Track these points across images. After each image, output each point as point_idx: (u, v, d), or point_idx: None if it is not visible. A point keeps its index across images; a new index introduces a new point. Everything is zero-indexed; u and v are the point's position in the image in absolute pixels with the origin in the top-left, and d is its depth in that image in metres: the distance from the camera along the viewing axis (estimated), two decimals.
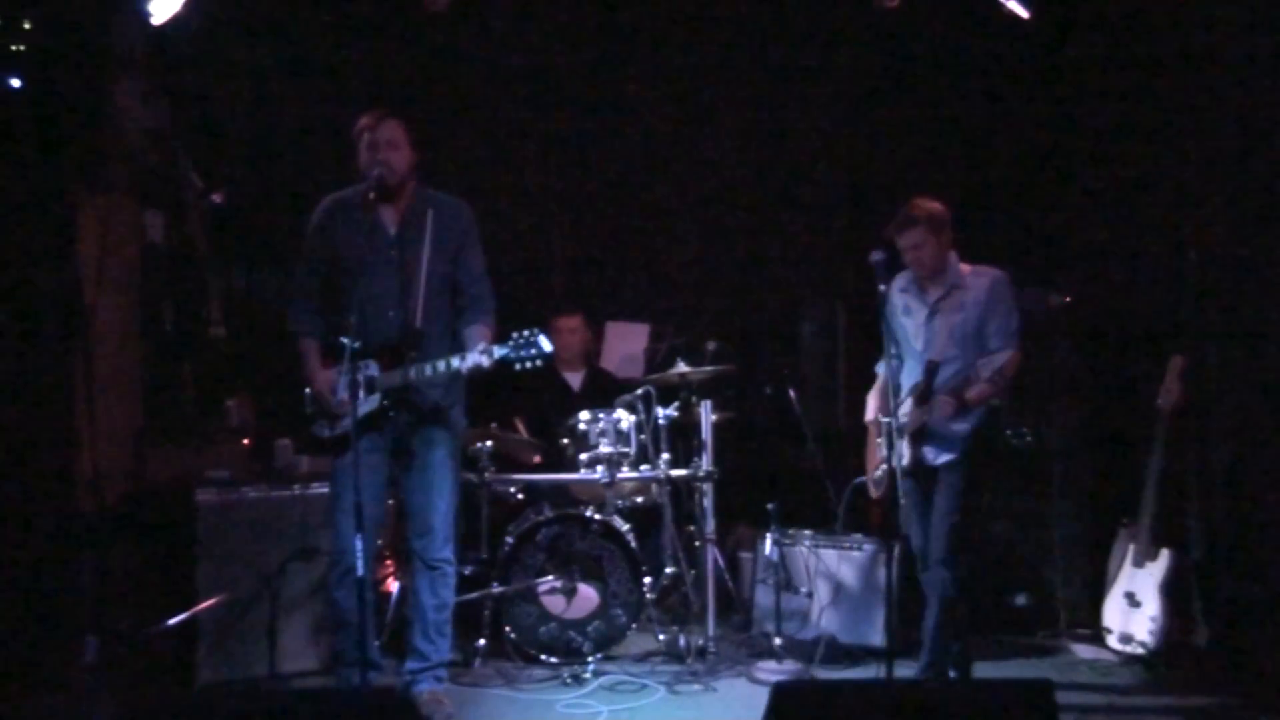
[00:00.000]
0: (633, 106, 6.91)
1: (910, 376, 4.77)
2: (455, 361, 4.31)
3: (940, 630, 4.71)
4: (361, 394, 4.37)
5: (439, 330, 4.53)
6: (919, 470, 4.72)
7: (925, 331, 4.73)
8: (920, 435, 4.69)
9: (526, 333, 4.27)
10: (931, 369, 4.65)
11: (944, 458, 4.69)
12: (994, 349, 4.53)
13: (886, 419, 4.65)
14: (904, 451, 4.69)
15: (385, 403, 4.42)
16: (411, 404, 4.49)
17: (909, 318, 4.79)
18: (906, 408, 4.72)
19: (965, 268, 4.75)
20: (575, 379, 6.40)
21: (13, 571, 4.90)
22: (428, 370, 4.36)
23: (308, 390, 4.56)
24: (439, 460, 4.58)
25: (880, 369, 4.98)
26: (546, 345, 4.27)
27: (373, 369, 4.42)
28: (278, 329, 4.78)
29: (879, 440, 4.92)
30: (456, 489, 4.72)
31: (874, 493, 5.02)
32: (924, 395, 4.65)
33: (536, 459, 6.05)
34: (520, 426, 6.09)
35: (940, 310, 4.71)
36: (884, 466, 4.88)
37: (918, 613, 4.96)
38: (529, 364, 4.27)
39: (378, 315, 4.45)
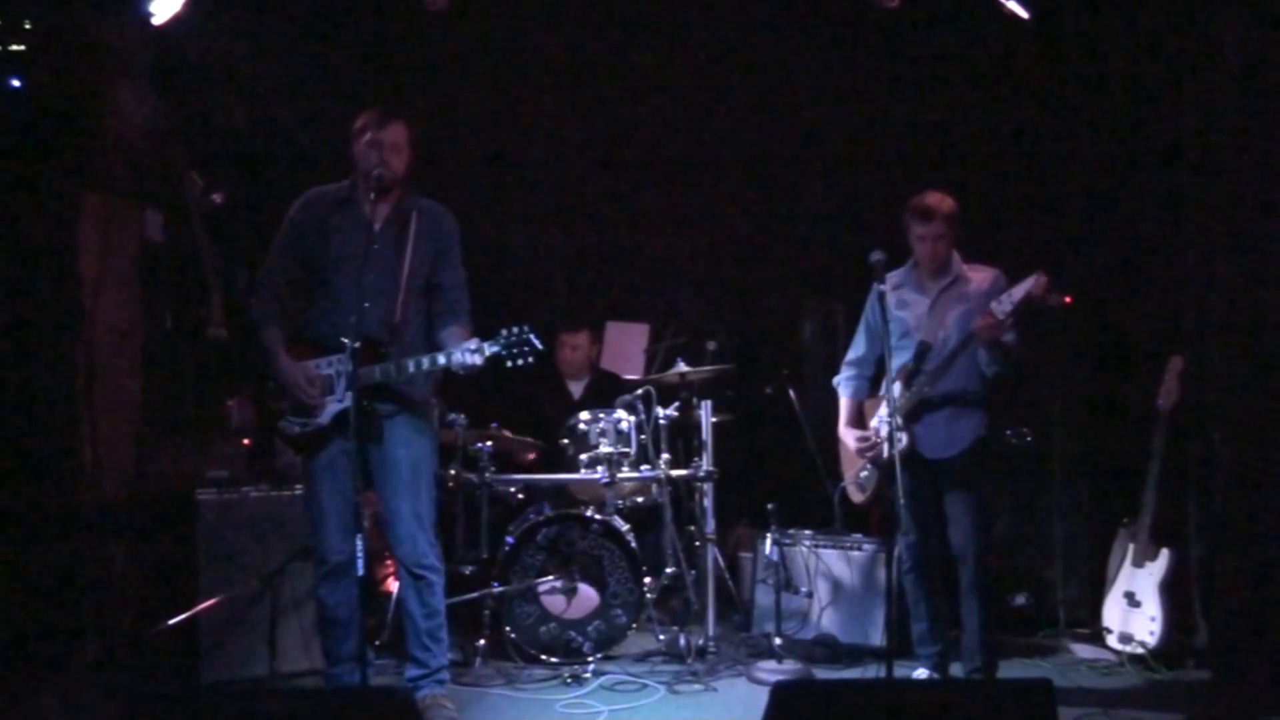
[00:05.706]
0: (633, 106, 6.90)
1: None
2: (441, 358, 4.21)
3: (986, 626, 4.75)
4: (337, 390, 4.31)
5: (414, 330, 4.45)
6: (915, 461, 4.70)
7: (927, 320, 4.76)
8: (914, 416, 4.69)
9: (517, 329, 4.15)
10: (923, 349, 4.70)
11: (953, 449, 4.69)
12: None
13: (876, 421, 4.70)
14: (902, 438, 4.68)
15: (364, 401, 4.23)
16: (387, 401, 4.38)
17: (906, 310, 4.81)
18: (896, 390, 4.72)
19: (963, 265, 4.82)
20: (577, 388, 6.40)
21: (13, 571, 4.89)
22: (410, 367, 4.25)
23: (271, 383, 4.41)
24: (416, 459, 4.44)
25: (839, 384, 5.02)
26: (538, 342, 4.16)
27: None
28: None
29: (855, 447, 4.91)
30: (434, 489, 4.57)
31: (858, 497, 5.00)
32: (912, 376, 4.69)
33: (532, 455, 6.04)
34: (508, 434, 6.05)
35: (941, 300, 4.76)
36: (868, 468, 4.88)
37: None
38: (520, 361, 4.15)
39: (355, 310, 4.33)
